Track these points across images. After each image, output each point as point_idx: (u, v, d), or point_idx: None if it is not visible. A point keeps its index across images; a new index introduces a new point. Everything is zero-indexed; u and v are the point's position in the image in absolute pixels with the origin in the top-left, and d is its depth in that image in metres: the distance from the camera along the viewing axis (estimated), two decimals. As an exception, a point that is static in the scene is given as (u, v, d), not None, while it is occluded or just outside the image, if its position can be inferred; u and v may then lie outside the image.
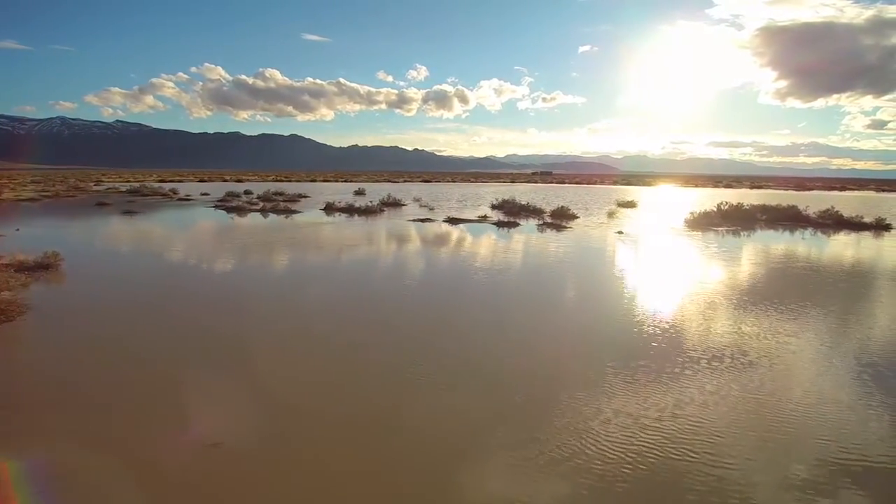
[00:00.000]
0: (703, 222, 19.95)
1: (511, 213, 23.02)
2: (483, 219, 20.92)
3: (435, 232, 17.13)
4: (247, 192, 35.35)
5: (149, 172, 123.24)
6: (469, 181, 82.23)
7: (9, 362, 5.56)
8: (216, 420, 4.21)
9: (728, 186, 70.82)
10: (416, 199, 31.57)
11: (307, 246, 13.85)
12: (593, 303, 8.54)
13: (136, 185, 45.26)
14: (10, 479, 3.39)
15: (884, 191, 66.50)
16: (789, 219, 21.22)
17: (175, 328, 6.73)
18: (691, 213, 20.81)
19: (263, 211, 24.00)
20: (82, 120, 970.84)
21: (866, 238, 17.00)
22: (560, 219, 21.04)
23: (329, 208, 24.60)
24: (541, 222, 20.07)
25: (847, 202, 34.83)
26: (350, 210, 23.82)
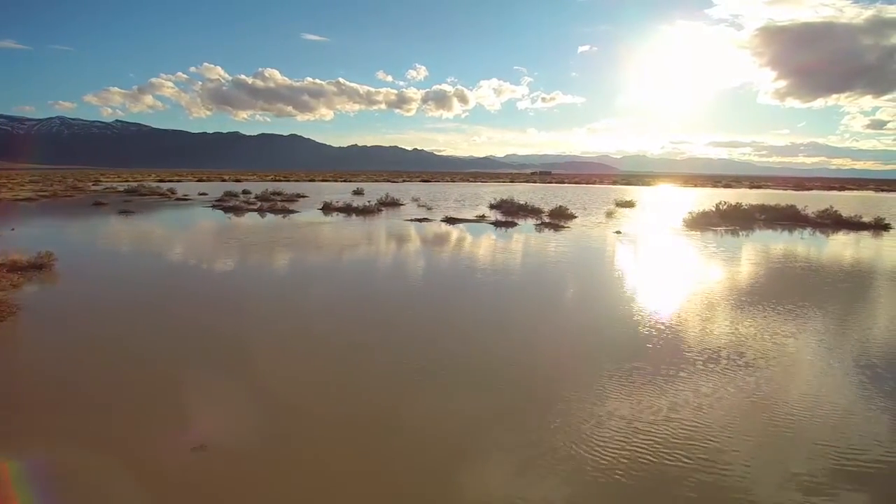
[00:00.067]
0: (702, 222, 19.91)
1: (509, 213, 22.98)
2: (481, 218, 20.88)
3: (432, 232, 17.10)
4: (245, 192, 35.29)
5: (148, 172, 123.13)
6: (468, 181, 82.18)
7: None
8: (215, 420, 4.21)
9: (727, 186, 70.83)
10: (415, 199, 31.54)
11: (304, 246, 13.81)
12: (590, 303, 8.52)
13: (134, 184, 45.19)
14: (10, 479, 3.38)
15: (883, 191, 66.54)
16: (788, 218, 21.19)
17: (169, 328, 6.71)
18: (690, 213, 20.77)
19: (261, 211, 23.95)
20: (81, 120, 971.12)
21: (865, 238, 16.98)
22: (558, 218, 21.01)
23: (327, 208, 24.55)
24: (539, 222, 20.04)
25: (846, 202, 34.83)
26: (348, 210, 23.78)
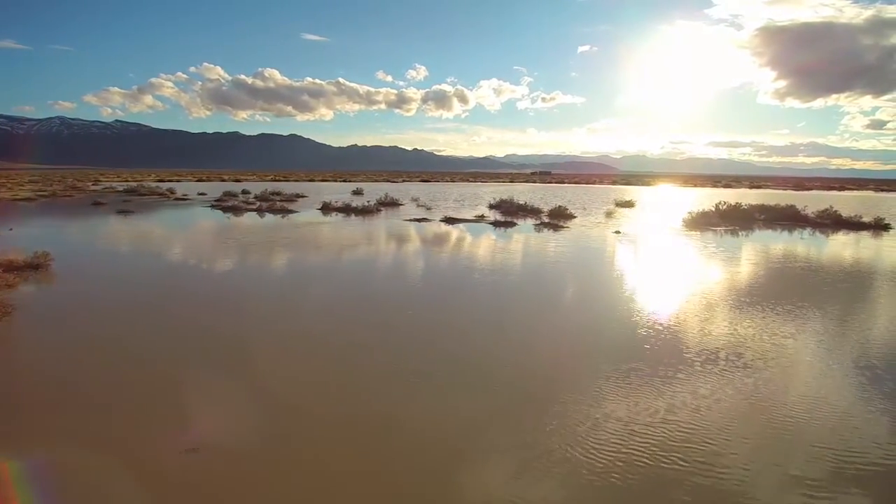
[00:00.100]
0: (702, 222, 19.89)
1: (508, 213, 22.96)
2: (480, 218, 20.86)
3: (431, 232, 17.08)
4: (244, 192, 35.28)
5: (147, 172, 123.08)
6: (468, 181, 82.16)
7: None
8: (215, 420, 4.21)
9: (727, 186, 70.82)
10: (414, 199, 31.52)
11: (302, 246, 13.81)
12: (588, 303, 8.52)
13: (134, 184, 45.16)
14: (11, 479, 3.38)
15: (882, 190, 66.55)
16: (787, 218, 21.17)
17: (166, 328, 6.70)
18: (689, 213, 20.75)
19: (260, 211, 23.94)
20: (81, 120, 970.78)
21: (865, 238, 16.95)
22: (557, 218, 20.99)
23: (325, 208, 24.54)
24: (538, 222, 20.02)
25: (846, 202, 34.82)
26: (346, 210, 23.76)
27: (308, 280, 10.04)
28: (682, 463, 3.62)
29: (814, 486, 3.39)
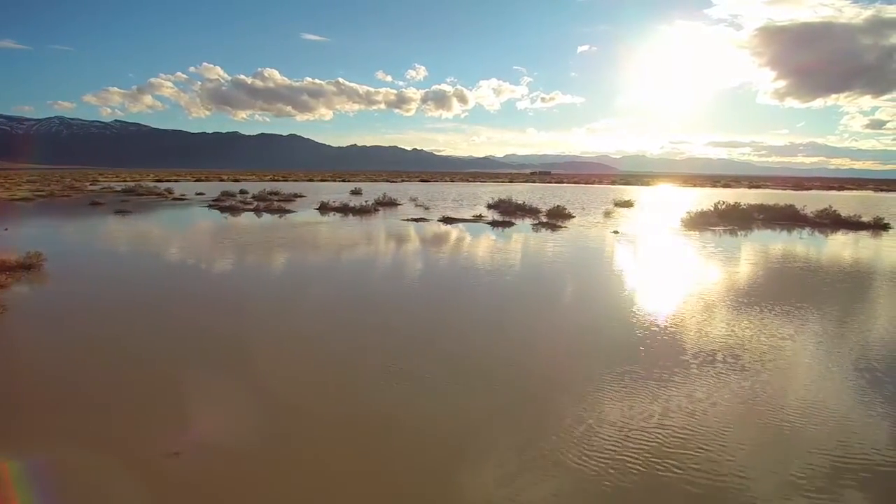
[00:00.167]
0: (701, 222, 19.85)
1: (507, 213, 22.92)
2: (478, 218, 20.82)
3: (428, 232, 17.03)
4: (242, 192, 35.21)
5: (146, 172, 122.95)
6: (467, 181, 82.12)
7: None
8: (215, 420, 4.20)
9: (726, 186, 70.82)
10: (413, 199, 31.48)
11: (299, 246, 13.79)
12: (586, 303, 8.51)
13: (132, 184, 45.07)
14: (11, 479, 3.38)
15: (882, 190, 66.56)
16: (787, 218, 21.14)
17: (163, 328, 6.67)
18: (688, 213, 20.70)
19: (257, 210, 23.88)
20: (81, 120, 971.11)
21: (864, 238, 16.91)
22: (556, 218, 20.95)
23: (323, 208, 24.49)
24: (536, 222, 19.97)
25: (845, 202, 34.80)
26: (345, 209, 23.72)
27: (305, 280, 10.00)
28: (676, 469, 3.57)
29: (812, 492, 3.33)
